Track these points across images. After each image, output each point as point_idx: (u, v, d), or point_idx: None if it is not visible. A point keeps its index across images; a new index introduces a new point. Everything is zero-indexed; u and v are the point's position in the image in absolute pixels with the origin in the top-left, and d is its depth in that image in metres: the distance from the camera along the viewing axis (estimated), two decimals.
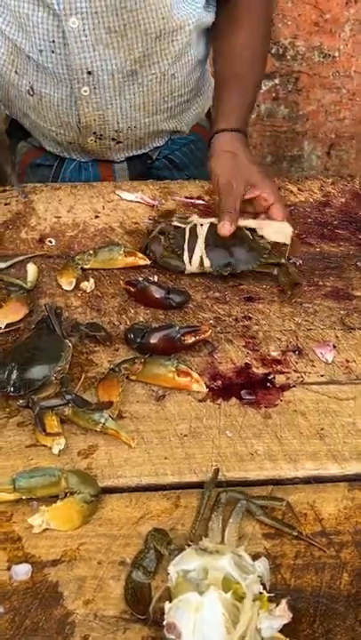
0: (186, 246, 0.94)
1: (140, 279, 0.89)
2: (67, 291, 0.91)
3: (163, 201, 1.10)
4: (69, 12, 1.01)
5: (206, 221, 0.97)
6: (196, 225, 0.96)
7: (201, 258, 0.93)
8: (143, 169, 1.23)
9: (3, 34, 1.06)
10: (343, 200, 1.12)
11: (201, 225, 0.96)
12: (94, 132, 1.14)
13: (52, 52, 1.05)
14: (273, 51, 1.94)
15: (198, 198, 1.11)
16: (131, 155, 1.20)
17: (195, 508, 0.65)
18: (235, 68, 1.11)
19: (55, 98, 1.10)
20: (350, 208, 1.10)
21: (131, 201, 1.09)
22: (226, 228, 0.94)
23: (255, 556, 0.61)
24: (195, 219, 0.98)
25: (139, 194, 1.10)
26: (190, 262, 0.93)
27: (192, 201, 1.10)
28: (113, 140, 1.16)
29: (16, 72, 1.10)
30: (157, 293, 0.87)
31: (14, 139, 1.28)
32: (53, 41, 1.04)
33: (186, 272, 0.94)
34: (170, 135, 1.23)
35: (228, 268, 0.93)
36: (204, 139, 1.32)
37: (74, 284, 0.91)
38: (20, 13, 1.02)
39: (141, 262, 0.92)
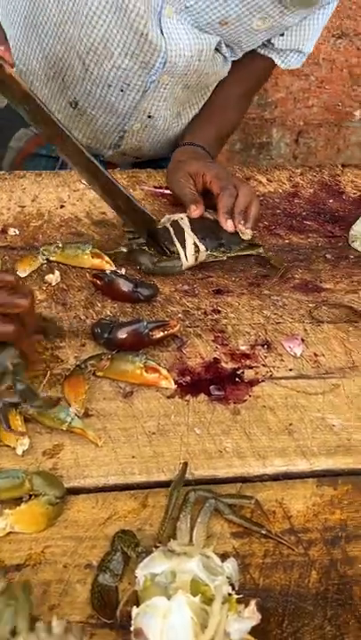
0: (176, 241, 0.91)
1: (108, 272, 0.87)
2: (30, 282, 0.88)
3: (130, 190, 1.07)
4: (166, 71, 1.01)
5: (184, 215, 0.95)
6: (175, 220, 0.94)
7: (195, 245, 0.90)
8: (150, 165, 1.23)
9: (86, 35, 0.99)
10: (312, 191, 1.11)
11: (181, 218, 0.94)
12: (124, 154, 1.16)
13: (122, 90, 1.04)
14: None
15: (167, 188, 1.08)
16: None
17: (163, 507, 0.64)
18: (215, 107, 1.13)
19: (100, 121, 1.10)
20: (319, 199, 1.09)
21: None
22: (193, 210, 0.94)
23: (224, 556, 0.60)
24: (170, 216, 0.96)
25: None
26: (185, 254, 0.90)
27: (161, 190, 1.08)
28: (135, 157, 1.17)
29: (63, 79, 1.07)
30: (125, 287, 0.85)
31: (13, 123, 1.18)
32: (128, 84, 1.03)
33: (183, 268, 0.91)
34: None
35: (223, 249, 0.92)
36: None
37: (28, 272, 0.88)
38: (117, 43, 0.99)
39: (107, 267, 0.89)
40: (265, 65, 1.13)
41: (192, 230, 0.93)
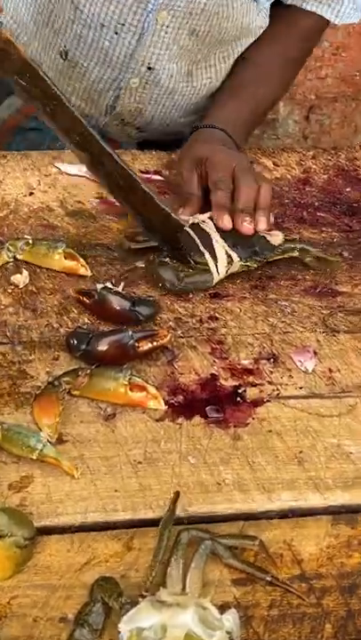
0: (204, 250, 0.90)
1: (99, 287, 0.84)
2: None
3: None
4: (164, 6, 1.01)
5: (204, 216, 0.94)
6: (195, 224, 0.93)
7: (227, 255, 0.90)
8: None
9: None
10: (326, 177, 1.12)
11: (203, 221, 0.93)
12: (122, 119, 1.14)
13: (116, 33, 1.05)
14: None
15: (156, 173, 1.10)
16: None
17: (150, 550, 0.65)
18: (245, 77, 1.13)
19: (94, 74, 1.10)
20: (334, 187, 1.11)
21: (73, 175, 1.07)
22: (180, 212, 0.93)
23: (223, 607, 0.61)
24: (187, 217, 0.95)
25: (83, 166, 1.08)
26: (217, 266, 0.89)
27: (148, 176, 1.09)
28: (138, 129, 1.16)
29: (53, 25, 1.08)
30: (119, 305, 0.83)
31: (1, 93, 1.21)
32: (123, 24, 1.04)
33: (214, 283, 0.90)
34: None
35: (257, 257, 0.92)
36: None
37: None
38: None
39: (82, 271, 0.90)
40: (313, 22, 1.12)
41: (221, 236, 0.91)
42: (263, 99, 1.14)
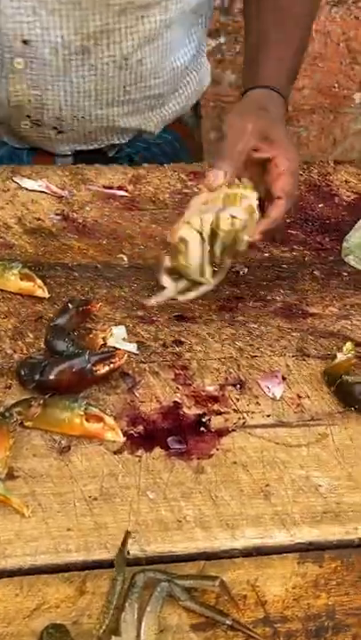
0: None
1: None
2: None
3: (74, 191, 1.07)
4: None
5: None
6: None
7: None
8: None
9: None
10: (297, 193, 1.12)
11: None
12: (28, 116, 1.09)
13: None
14: (217, 2, 1.94)
15: (120, 188, 1.09)
16: (78, 149, 1.15)
17: (104, 593, 0.63)
18: (275, 23, 1.03)
19: None
20: (306, 203, 1.11)
21: (33, 190, 1.06)
22: (212, 177, 0.86)
23: None
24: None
25: (43, 181, 1.07)
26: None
27: (112, 191, 1.08)
28: (54, 128, 1.11)
29: None
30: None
31: None
32: None
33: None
34: (133, 134, 1.17)
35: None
36: (187, 141, 1.26)
37: None
38: None
39: (39, 293, 0.89)
40: None
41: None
42: (299, 41, 1.06)
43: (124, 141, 1.18)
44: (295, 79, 1.07)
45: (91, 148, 1.16)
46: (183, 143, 1.26)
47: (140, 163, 1.15)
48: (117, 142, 1.18)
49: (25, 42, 1.03)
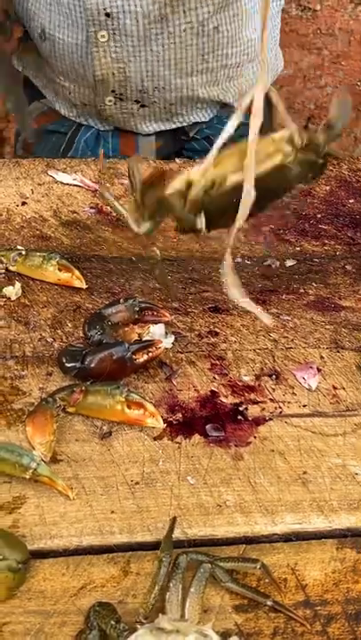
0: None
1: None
2: None
3: (108, 185, 1.09)
4: None
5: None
6: None
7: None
8: (175, 148, 1.21)
9: None
10: (328, 188, 1.13)
11: None
12: (113, 91, 1.13)
13: None
14: None
15: None
16: (161, 128, 1.18)
17: (148, 574, 0.65)
18: None
19: (69, 44, 1.11)
20: (337, 198, 1.12)
21: (68, 184, 1.08)
22: None
23: (225, 635, 0.60)
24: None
25: (77, 175, 1.09)
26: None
27: None
28: (136, 102, 1.15)
29: (27, 12, 1.11)
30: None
31: (27, 98, 1.26)
32: None
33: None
34: (216, 110, 1.20)
35: None
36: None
37: None
38: None
39: (76, 283, 0.91)
40: None
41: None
42: None
43: (204, 119, 1.20)
44: None
45: (173, 126, 1.19)
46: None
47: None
48: (198, 120, 1.20)
49: (107, 14, 1.07)
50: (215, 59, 1.15)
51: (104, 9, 1.07)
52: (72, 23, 1.09)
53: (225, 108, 1.22)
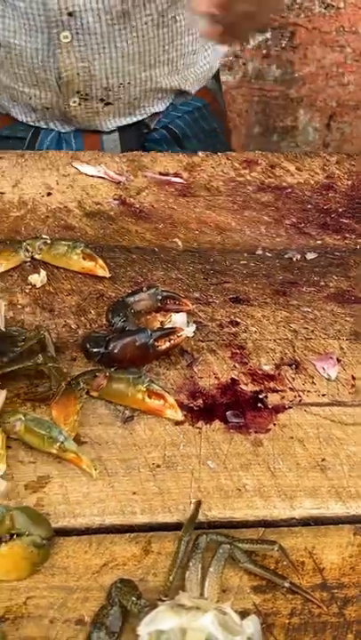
0: None
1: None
2: (9, 283, 0.91)
3: (131, 177, 1.10)
4: None
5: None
6: None
7: None
8: (138, 141, 1.23)
9: None
10: (350, 183, 1.14)
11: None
12: (78, 92, 1.14)
13: None
14: None
15: (175, 175, 1.12)
16: (123, 123, 1.20)
17: (169, 554, 0.66)
18: None
19: (28, 49, 1.10)
20: (358, 193, 1.13)
21: (92, 176, 1.10)
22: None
23: (243, 614, 0.62)
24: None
25: (102, 167, 1.11)
26: None
27: (167, 178, 1.11)
28: (101, 100, 1.15)
29: None
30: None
31: None
32: None
33: None
34: (172, 98, 1.22)
35: None
36: (212, 106, 1.31)
37: (3, 267, 0.91)
38: None
39: (100, 272, 0.93)
40: None
41: None
42: None
43: (163, 108, 1.22)
44: None
45: (134, 120, 1.20)
46: (208, 109, 1.31)
47: (177, 130, 1.23)
48: (157, 110, 1.21)
49: (70, 14, 1.07)
50: (175, 48, 1.17)
51: (66, 8, 1.06)
52: (30, 28, 1.08)
53: (180, 95, 1.24)
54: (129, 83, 1.15)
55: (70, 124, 1.20)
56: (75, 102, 1.15)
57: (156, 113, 1.23)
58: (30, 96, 1.16)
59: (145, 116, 1.22)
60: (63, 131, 1.21)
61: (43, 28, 1.08)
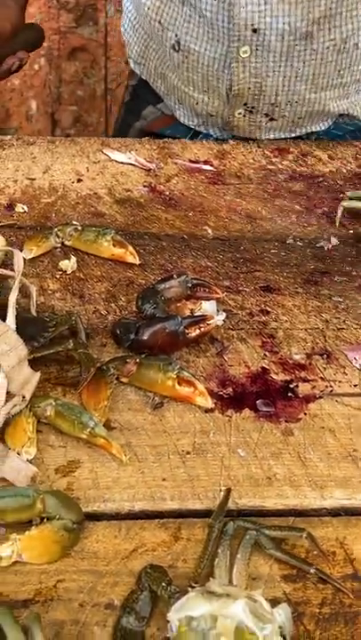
0: None
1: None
2: (41, 268, 0.91)
3: (161, 164, 1.10)
4: None
5: None
6: None
7: None
8: None
9: None
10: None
11: None
12: (245, 104, 1.14)
13: None
14: None
15: (206, 163, 1.12)
16: (281, 137, 1.19)
17: (198, 541, 0.66)
18: None
19: (206, 56, 1.11)
20: None
21: (122, 163, 1.09)
22: None
23: (273, 602, 0.61)
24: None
25: (132, 154, 1.11)
26: None
27: (198, 166, 1.11)
28: (266, 115, 1.16)
29: (160, 22, 1.12)
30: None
31: (141, 102, 1.27)
32: None
33: None
34: (335, 119, 1.21)
35: None
36: None
37: (34, 253, 0.92)
38: None
39: (130, 259, 0.92)
40: None
41: None
42: None
43: (324, 128, 1.21)
44: None
45: (293, 135, 1.20)
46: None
47: None
48: (316, 129, 1.21)
49: (254, 30, 1.08)
50: (350, 74, 1.16)
51: (252, 25, 1.07)
52: (212, 37, 1.10)
53: (343, 116, 1.22)
54: (296, 102, 1.15)
55: (228, 132, 1.20)
56: (240, 113, 1.16)
57: (314, 131, 1.22)
58: (198, 101, 1.17)
59: (303, 132, 1.21)
60: (221, 137, 1.21)
61: (224, 39, 1.09)
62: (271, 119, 1.16)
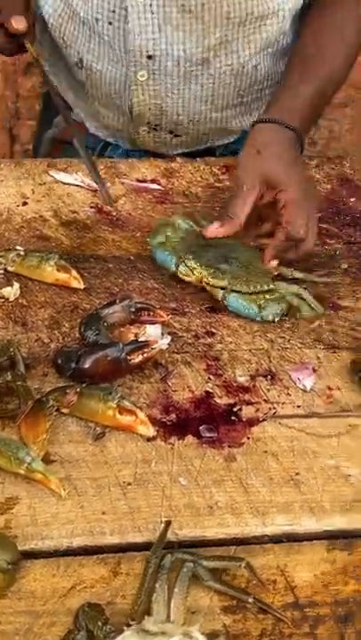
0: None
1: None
2: None
3: (108, 184, 1.09)
4: None
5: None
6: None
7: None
8: None
9: None
10: (329, 187, 1.13)
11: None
12: (148, 122, 1.14)
13: (110, 23, 1.05)
14: None
15: (153, 181, 1.11)
16: (191, 150, 1.19)
17: (138, 575, 0.65)
18: (306, 52, 1.06)
19: (108, 76, 1.11)
20: (337, 197, 1.12)
21: (68, 184, 1.08)
22: (211, 230, 0.93)
23: (212, 635, 0.61)
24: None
25: (78, 175, 1.09)
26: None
27: (145, 185, 1.10)
28: (170, 132, 1.16)
29: (63, 39, 1.11)
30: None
31: (51, 110, 1.26)
32: (114, 11, 1.04)
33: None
34: (242, 133, 1.20)
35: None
36: None
37: None
38: None
39: (74, 284, 0.91)
40: None
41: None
42: (330, 75, 1.05)
43: (232, 140, 1.21)
44: (315, 113, 1.06)
45: (201, 148, 1.20)
46: None
47: None
48: (226, 142, 1.21)
49: (150, 57, 1.07)
50: (251, 94, 1.16)
51: (147, 51, 1.07)
52: (113, 57, 1.09)
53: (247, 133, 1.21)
54: (198, 120, 1.15)
55: (138, 146, 1.20)
56: (144, 130, 1.16)
57: (226, 143, 1.22)
58: (104, 116, 1.17)
59: (213, 145, 1.21)
60: (131, 149, 1.21)
61: (122, 61, 1.09)
62: (176, 135, 1.16)
